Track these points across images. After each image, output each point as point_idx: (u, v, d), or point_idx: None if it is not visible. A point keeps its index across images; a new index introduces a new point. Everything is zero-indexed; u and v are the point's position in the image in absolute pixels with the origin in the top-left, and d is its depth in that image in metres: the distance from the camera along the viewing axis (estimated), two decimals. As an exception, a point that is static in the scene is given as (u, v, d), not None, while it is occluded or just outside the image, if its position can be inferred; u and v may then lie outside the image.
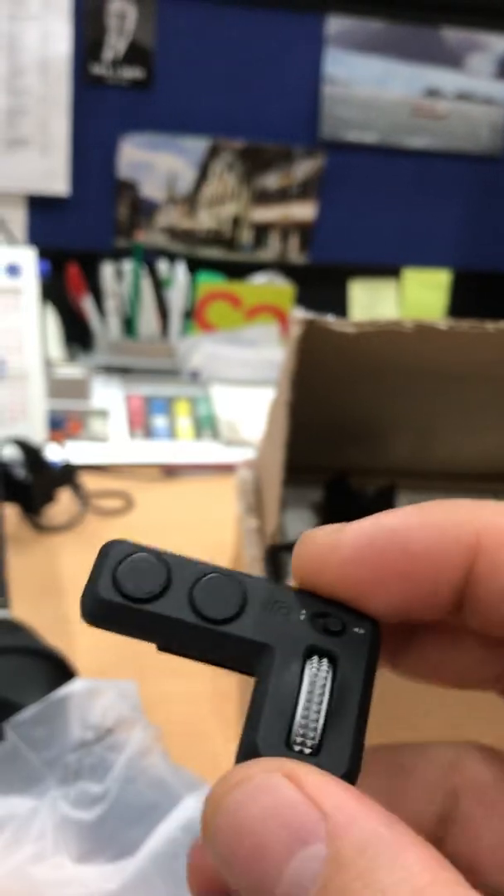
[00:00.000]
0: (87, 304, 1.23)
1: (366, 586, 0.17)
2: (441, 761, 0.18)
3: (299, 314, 0.47)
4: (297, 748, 0.14)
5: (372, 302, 1.43)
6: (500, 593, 0.16)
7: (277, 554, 0.54)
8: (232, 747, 0.56)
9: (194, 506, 0.96)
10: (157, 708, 0.57)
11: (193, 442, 1.10)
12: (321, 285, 1.36)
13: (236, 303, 1.24)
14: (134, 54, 1.17)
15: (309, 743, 0.14)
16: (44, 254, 1.23)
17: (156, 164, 1.22)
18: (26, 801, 0.41)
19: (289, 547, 0.58)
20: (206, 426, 1.13)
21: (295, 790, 0.13)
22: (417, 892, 0.11)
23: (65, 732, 0.42)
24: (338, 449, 0.67)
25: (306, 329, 0.47)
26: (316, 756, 0.14)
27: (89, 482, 0.94)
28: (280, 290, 1.26)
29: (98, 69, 1.16)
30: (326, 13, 1.21)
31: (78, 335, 1.25)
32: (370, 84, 1.27)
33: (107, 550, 0.17)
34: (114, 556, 0.17)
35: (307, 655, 0.16)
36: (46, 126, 1.15)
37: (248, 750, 0.15)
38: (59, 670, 0.47)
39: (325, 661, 0.16)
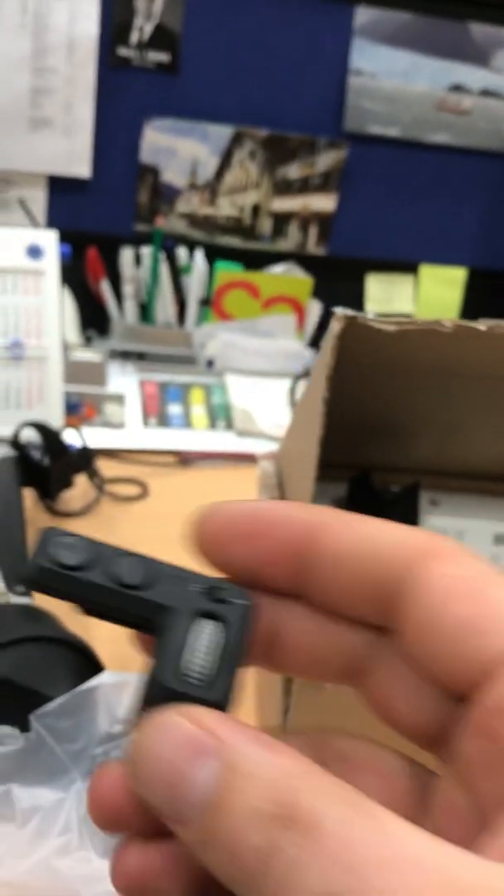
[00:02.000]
0: (105, 289, 1.22)
1: (224, 545, 0.21)
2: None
3: (340, 310, 0.46)
4: (189, 681, 0.19)
5: (387, 296, 1.42)
6: (333, 561, 0.20)
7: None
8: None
9: (210, 495, 0.95)
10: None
11: (207, 431, 1.10)
12: (337, 278, 1.36)
13: (254, 292, 1.24)
14: (161, 38, 1.16)
15: (195, 678, 0.19)
16: (62, 237, 1.22)
17: (178, 149, 1.21)
18: (52, 793, 0.41)
19: None
20: (220, 415, 1.13)
21: (191, 724, 0.17)
22: (291, 777, 0.16)
23: (92, 725, 0.42)
24: (361, 446, 0.66)
25: (346, 325, 0.46)
26: (201, 689, 0.19)
27: (104, 468, 0.94)
28: (299, 281, 1.26)
29: (125, 51, 1.15)
30: (355, 4, 1.20)
31: (93, 319, 1.24)
32: (396, 77, 1.26)
33: (47, 534, 0.21)
34: (52, 536, 0.21)
35: (199, 616, 0.20)
36: (71, 107, 1.14)
37: (153, 686, 0.19)
38: (85, 661, 0.47)
39: (212, 621, 0.20)
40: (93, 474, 0.90)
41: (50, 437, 0.81)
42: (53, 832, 0.40)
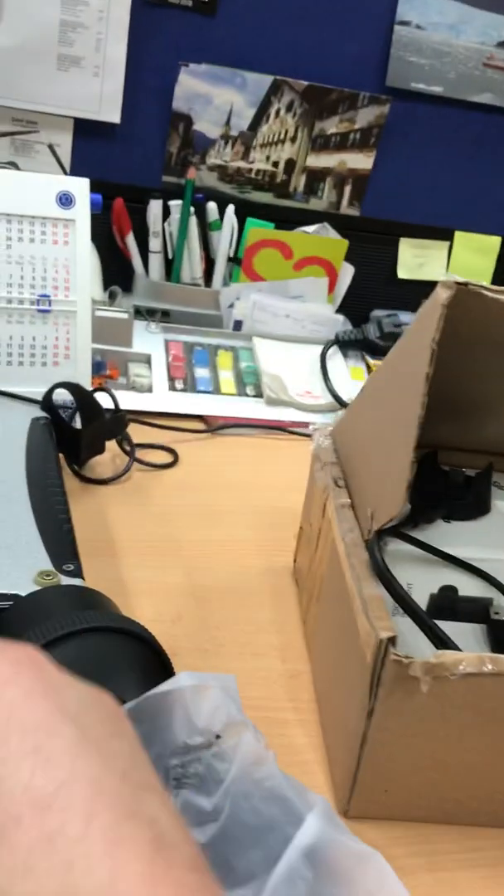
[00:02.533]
0: (131, 243, 1.16)
1: None
2: None
3: (449, 278, 0.42)
4: None
5: (419, 262, 1.37)
6: None
7: (383, 537, 0.50)
8: (305, 731, 0.51)
9: (241, 465, 0.91)
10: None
11: (236, 397, 1.05)
12: (369, 241, 1.30)
13: (287, 252, 1.18)
14: (200, -25, 1.09)
15: None
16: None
17: (214, 97, 1.15)
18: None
19: (397, 532, 0.54)
20: (248, 381, 1.08)
21: None
22: None
23: (167, 733, 0.37)
24: (430, 424, 0.62)
25: (457, 293, 0.42)
26: None
27: (132, 433, 0.89)
28: (334, 242, 1.20)
29: (162, -12, 1.08)
30: None
31: (117, 275, 1.18)
32: (443, 30, 1.20)
33: None
34: None
35: None
36: (103, 46, 1.08)
37: None
38: (152, 654, 0.43)
39: None
40: (125, 440, 0.86)
41: (85, 399, 0.76)
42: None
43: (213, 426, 0.98)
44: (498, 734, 0.44)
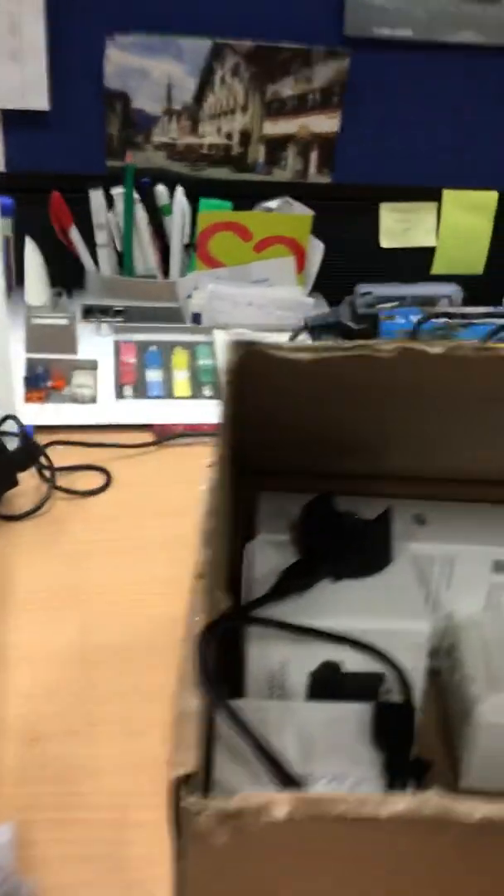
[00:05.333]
0: (75, 238, 1.08)
1: None
2: None
3: (231, 336, 0.32)
4: None
5: (404, 228, 1.25)
6: None
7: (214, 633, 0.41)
8: (156, 839, 0.41)
9: (183, 483, 0.82)
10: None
11: (190, 400, 0.96)
12: (345, 211, 1.19)
13: (245, 234, 1.08)
14: None
15: None
16: (22, 179, 1.08)
17: (150, 70, 1.05)
18: None
19: (245, 616, 0.45)
20: (205, 379, 0.99)
21: None
22: None
23: None
24: (329, 458, 0.53)
25: (243, 357, 0.32)
26: None
27: (63, 455, 0.81)
28: (296, 218, 1.10)
29: (77, -44, 0.98)
30: None
31: (69, 273, 1.10)
32: (406, -33, 1.07)
33: None
34: None
35: None
36: (18, 27, 0.98)
37: None
38: None
39: None
40: (42, 469, 0.78)
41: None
42: None
43: (160, 437, 0.89)
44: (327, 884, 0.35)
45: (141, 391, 0.96)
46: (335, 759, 0.39)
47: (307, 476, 0.55)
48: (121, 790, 0.48)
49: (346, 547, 0.47)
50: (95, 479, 0.81)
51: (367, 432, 0.47)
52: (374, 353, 0.32)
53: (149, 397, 0.96)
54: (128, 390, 0.96)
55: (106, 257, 1.09)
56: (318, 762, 0.39)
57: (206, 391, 0.98)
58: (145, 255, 1.09)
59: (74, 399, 0.94)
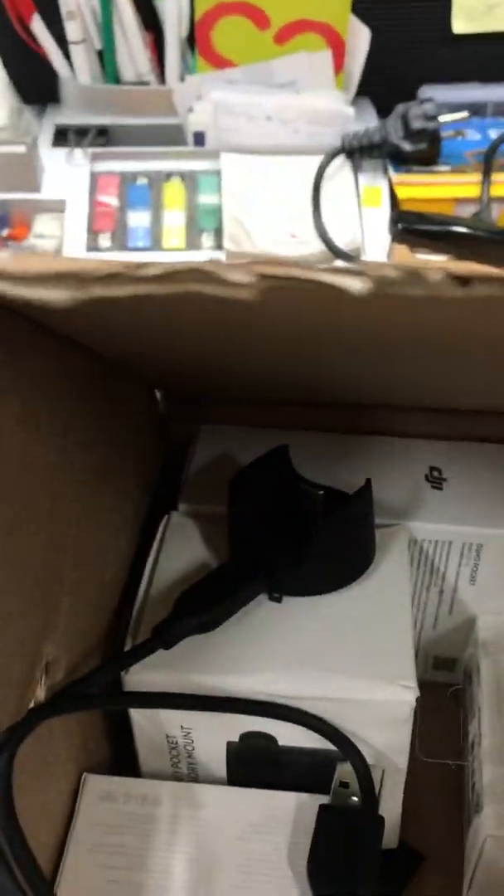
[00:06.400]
0: (40, 32, 0.83)
1: None
2: None
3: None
4: None
5: (490, 4, 0.95)
6: None
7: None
8: None
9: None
10: None
11: (184, 254, 0.74)
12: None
13: (261, 19, 0.80)
14: None
15: None
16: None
17: None
18: None
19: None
20: (206, 225, 0.76)
21: None
22: None
23: None
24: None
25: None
26: None
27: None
28: (330, -7, 0.81)
29: None
30: None
31: (38, 82, 0.86)
32: None
33: None
34: None
35: None
36: None
37: None
38: None
39: None
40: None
41: None
42: None
43: (137, 305, 0.68)
44: None
45: (119, 241, 0.75)
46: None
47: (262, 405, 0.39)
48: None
49: (301, 542, 0.27)
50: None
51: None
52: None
53: (130, 249, 0.74)
54: (104, 239, 0.75)
55: (83, 58, 0.84)
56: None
57: (207, 241, 0.75)
58: (133, 54, 0.83)
59: (34, 252, 0.73)
